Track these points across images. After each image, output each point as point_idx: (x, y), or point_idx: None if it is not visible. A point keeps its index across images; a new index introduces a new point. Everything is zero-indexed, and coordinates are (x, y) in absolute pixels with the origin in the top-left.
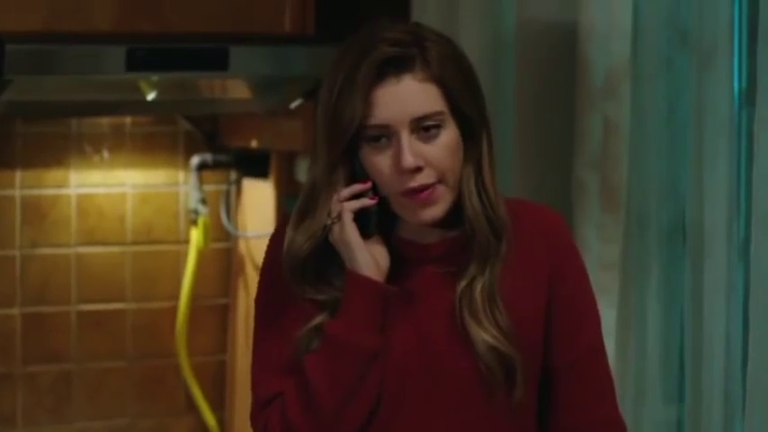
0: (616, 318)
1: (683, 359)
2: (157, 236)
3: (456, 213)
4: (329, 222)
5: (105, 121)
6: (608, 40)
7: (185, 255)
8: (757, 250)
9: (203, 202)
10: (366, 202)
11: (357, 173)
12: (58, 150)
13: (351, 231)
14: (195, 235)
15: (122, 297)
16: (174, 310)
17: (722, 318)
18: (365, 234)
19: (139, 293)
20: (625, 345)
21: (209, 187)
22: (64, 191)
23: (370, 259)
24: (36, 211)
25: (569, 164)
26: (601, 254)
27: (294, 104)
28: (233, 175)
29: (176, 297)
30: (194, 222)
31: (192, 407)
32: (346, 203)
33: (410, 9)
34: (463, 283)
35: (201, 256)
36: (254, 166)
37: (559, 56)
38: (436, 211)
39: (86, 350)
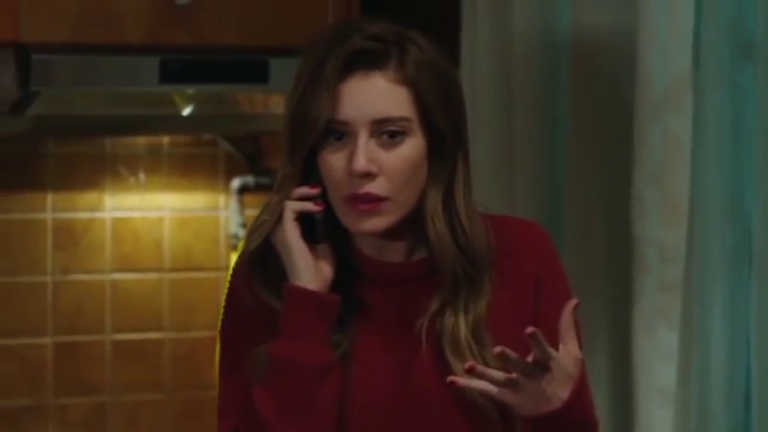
0: (678, 343)
1: (750, 389)
2: (196, 262)
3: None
4: (266, 218)
5: (141, 142)
6: (669, 49)
7: (225, 282)
8: None
9: (244, 226)
10: (309, 206)
11: (310, 176)
12: (91, 172)
13: (290, 231)
14: None
15: (159, 326)
16: (214, 339)
17: None
18: (311, 241)
19: (177, 322)
20: (687, 373)
21: (250, 211)
22: (98, 214)
23: (310, 264)
24: (69, 236)
25: (628, 178)
26: (661, 274)
27: None
28: None
29: (216, 326)
30: (235, 248)
31: None
32: (289, 203)
33: (460, 18)
34: (434, 314)
35: None
36: None
37: (617, 64)
38: (378, 222)
39: (121, 381)
